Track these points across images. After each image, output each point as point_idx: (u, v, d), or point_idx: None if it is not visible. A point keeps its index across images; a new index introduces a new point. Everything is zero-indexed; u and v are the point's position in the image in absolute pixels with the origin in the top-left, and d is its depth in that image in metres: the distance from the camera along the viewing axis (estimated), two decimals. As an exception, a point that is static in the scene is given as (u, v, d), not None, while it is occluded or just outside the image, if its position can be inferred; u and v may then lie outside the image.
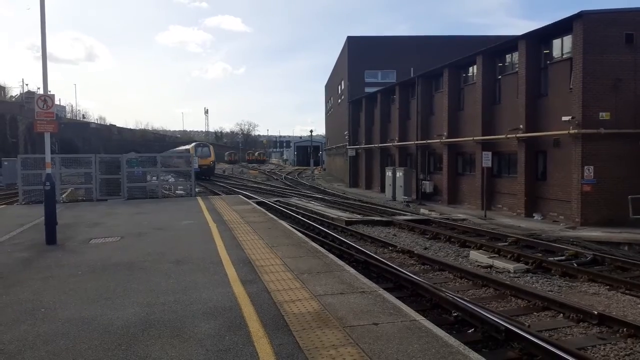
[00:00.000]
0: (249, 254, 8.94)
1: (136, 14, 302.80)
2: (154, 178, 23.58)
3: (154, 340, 4.89)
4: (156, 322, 5.43)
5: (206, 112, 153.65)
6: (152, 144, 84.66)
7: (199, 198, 21.43)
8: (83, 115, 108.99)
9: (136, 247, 9.95)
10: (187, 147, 57.90)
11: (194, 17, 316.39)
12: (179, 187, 29.99)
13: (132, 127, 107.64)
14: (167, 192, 26.82)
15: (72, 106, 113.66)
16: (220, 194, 28.62)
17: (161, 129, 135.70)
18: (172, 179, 35.01)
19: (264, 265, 8.04)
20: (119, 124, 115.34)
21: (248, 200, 21.51)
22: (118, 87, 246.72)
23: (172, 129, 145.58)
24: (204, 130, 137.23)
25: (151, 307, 5.93)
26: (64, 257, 9.05)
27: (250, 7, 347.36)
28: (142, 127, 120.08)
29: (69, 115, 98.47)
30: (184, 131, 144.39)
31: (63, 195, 20.99)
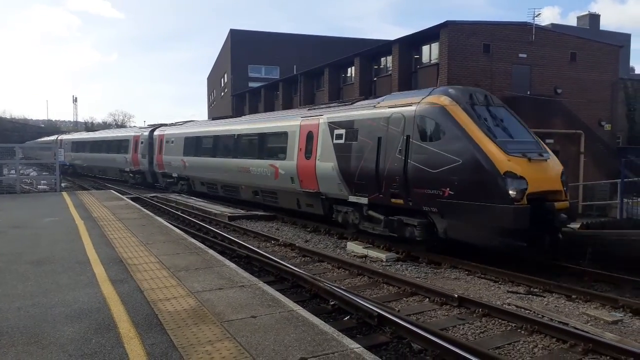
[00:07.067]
0: (120, 252, 8.43)
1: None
2: (12, 171, 21.31)
3: (5, 350, 4.40)
4: (9, 329, 4.89)
5: (75, 100, 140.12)
6: (11, 134, 75.82)
7: (64, 193, 19.70)
8: None
9: (-13, 248, 8.87)
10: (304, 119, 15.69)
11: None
12: (42, 182, 27.32)
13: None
14: (28, 187, 24.36)
15: None
16: (89, 189, 26.58)
17: (22, 117, 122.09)
18: (34, 173, 31.77)
19: (137, 263, 7.63)
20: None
21: (121, 195, 20.25)
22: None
23: (34, 118, 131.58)
24: (72, 120, 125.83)
25: (4, 314, 5.33)
26: None
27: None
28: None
29: None
30: (49, 120, 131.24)
31: None
